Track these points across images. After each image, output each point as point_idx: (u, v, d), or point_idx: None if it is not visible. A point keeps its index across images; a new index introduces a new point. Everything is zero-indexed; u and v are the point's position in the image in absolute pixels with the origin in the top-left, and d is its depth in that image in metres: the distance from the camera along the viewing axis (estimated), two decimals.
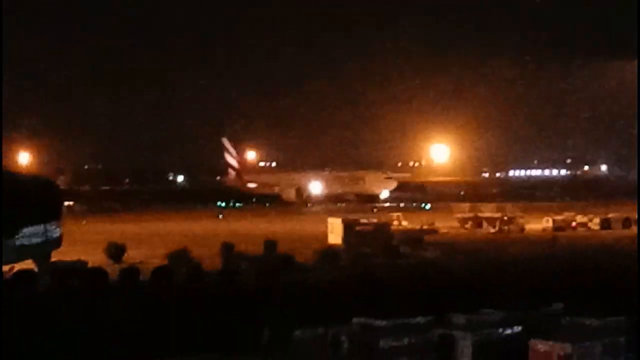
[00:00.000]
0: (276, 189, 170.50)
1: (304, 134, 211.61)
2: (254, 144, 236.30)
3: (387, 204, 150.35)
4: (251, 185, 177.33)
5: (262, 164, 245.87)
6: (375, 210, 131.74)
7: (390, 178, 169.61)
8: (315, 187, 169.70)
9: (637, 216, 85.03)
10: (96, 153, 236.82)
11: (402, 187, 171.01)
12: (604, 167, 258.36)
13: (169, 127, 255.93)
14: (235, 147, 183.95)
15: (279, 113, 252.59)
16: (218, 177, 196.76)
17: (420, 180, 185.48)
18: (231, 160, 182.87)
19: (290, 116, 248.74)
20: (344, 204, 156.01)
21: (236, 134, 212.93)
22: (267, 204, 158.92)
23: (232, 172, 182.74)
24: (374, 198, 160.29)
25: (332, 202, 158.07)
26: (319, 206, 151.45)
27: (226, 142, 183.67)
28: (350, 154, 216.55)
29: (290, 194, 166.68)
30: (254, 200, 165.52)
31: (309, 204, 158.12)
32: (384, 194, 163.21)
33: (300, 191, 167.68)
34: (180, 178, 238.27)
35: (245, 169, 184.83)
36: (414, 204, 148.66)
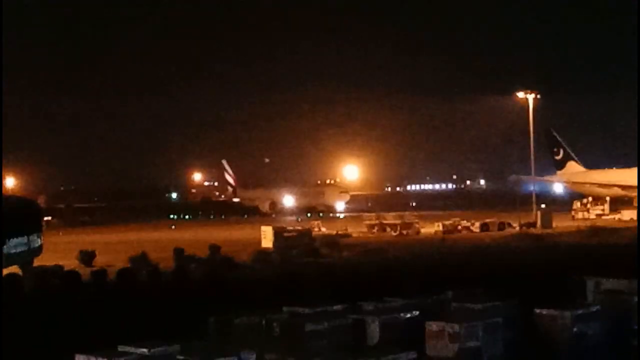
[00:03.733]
0: (256, 202, 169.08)
1: (237, 158, 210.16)
2: (199, 168, 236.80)
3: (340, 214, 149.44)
4: (235, 199, 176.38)
5: (206, 183, 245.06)
6: (299, 219, 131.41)
7: (344, 192, 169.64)
8: (287, 200, 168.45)
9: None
10: (78, 175, 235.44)
11: (354, 198, 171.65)
12: (482, 182, 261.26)
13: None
14: (231, 168, 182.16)
15: (219, 141, 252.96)
16: (217, 193, 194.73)
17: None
18: (229, 178, 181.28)
19: (226, 143, 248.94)
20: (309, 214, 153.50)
21: (186, 159, 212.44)
22: (245, 216, 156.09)
23: (229, 189, 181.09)
24: (333, 208, 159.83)
25: (303, 213, 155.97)
26: (289, 216, 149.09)
27: (225, 164, 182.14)
28: (280, 173, 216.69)
29: (265, 206, 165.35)
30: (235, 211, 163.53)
31: (273, 215, 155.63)
32: (340, 205, 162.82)
33: (273, 204, 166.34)
34: (174, 194, 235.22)
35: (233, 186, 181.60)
36: (331, 214, 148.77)
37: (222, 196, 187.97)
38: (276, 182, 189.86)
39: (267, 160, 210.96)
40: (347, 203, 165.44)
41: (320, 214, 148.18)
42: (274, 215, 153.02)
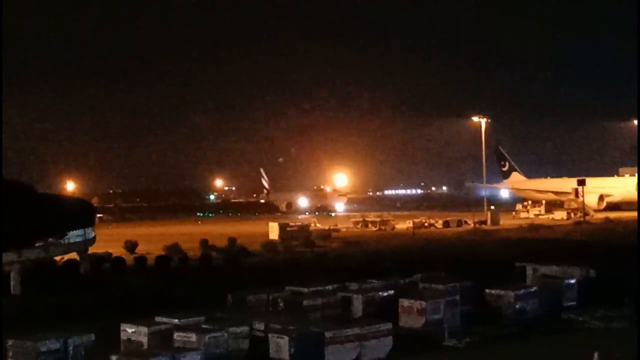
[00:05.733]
0: (276, 203, 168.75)
1: (246, 166, 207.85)
2: (220, 175, 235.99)
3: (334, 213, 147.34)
4: (262, 201, 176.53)
5: (226, 188, 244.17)
6: (300, 216, 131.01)
7: (343, 195, 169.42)
8: (301, 201, 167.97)
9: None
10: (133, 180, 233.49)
11: (349, 200, 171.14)
12: (444, 188, 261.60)
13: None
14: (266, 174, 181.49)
15: (239, 154, 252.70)
16: (254, 195, 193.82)
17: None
18: (265, 183, 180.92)
19: (238, 154, 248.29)
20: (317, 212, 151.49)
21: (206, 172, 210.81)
22: (257, 214, 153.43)
23: (264, 191, 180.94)
24: (334, 208, 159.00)
25: (315, 211, 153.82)
26: (301, 214, 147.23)
27: (262, 171, 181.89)
28: (281, 181, 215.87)
29: (283, 206, 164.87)
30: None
31: (283, 213, 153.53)
32: (340, 206, 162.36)
33: (289, 204, 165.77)
34: (212, 196, 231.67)
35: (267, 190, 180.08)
36: (325, 213, 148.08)
37: (260, 197, 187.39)
38: (291, 187, 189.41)
39: (280, 159, 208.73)
40: (345, 204, 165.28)
41: (317, 213, 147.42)
42: (281, 214, 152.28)
